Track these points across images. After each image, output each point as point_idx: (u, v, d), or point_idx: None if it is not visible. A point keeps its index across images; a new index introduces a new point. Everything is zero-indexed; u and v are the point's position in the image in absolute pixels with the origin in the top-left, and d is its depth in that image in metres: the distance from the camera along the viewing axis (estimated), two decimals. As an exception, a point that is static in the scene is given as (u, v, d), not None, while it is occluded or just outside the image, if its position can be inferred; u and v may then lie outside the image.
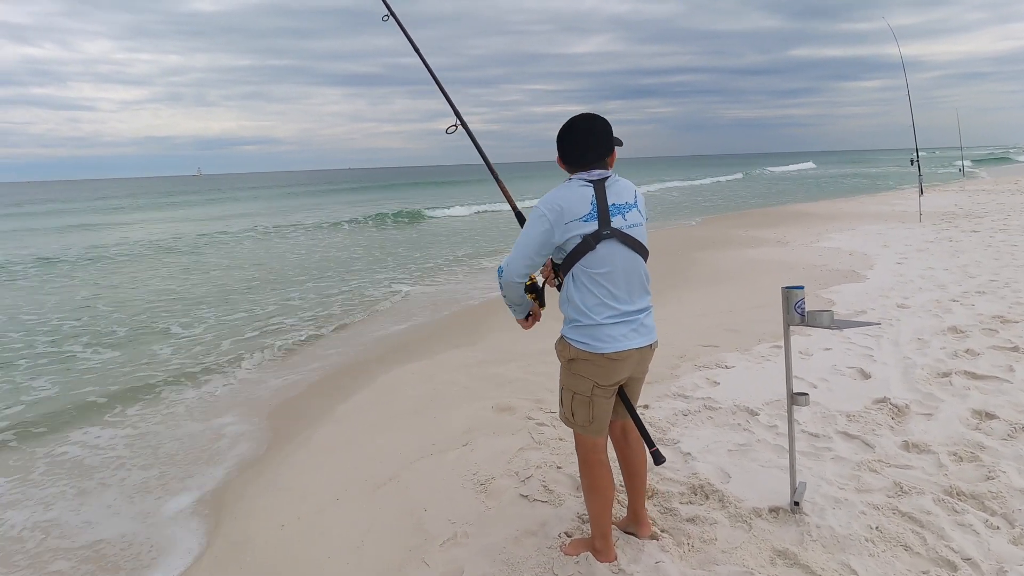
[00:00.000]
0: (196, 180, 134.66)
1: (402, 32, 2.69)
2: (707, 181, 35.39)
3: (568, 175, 2.00)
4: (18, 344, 6.05)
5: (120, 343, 5.95)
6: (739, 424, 3.18)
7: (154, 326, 6.56)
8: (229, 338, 5.97)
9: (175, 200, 39.63)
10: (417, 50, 2.65)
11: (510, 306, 2.10)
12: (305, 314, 6.89)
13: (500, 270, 2.00)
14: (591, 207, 1.89)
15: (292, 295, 7.98)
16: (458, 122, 2.51)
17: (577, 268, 1.92)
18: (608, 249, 1.90)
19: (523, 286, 2.02)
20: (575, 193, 1.91)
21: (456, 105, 2.53)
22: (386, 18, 2.72)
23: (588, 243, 1.89)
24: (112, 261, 11.89)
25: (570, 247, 1.91)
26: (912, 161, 11.47)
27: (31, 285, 9.69)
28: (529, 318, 2.14)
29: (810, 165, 59.81)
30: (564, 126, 1.98)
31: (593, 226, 1.89)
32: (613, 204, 1.92)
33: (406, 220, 17.58)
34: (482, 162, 2.56)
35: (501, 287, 2.02)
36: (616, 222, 1.92)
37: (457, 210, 19.98)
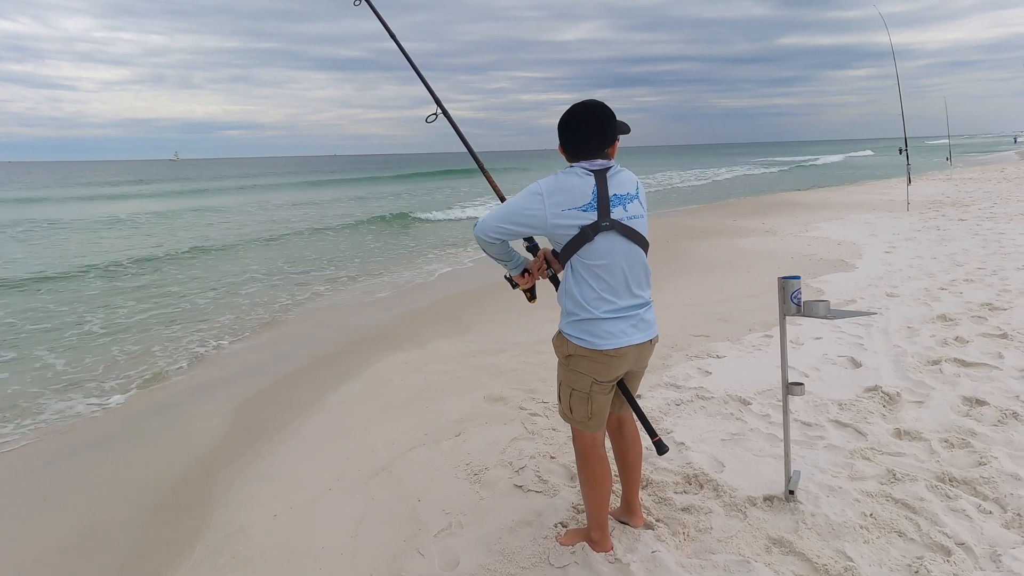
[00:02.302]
0: (172, 165, 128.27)
1: (376, 16, 2.57)
2: (757, 171, 33.73)
3: (568, 163, 1.95)
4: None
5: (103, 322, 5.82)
6: (732, 414, 3.18)
7: (149, 309, 6.44)
8: (219, 323, 5.87)
9: (120, 191, 32.36)
10: (393, 35, 2.54)
11: (499, 262, 2.06)
12: (286, 302, 6.80)
13: (475, 224, 1.97)
14: (592, 196, 1.85)
15: (274, 285, 7.86)
16: (439, 110, 2.43)
17: (575, 259, 1.88)
18: (607, 241, 1.86)
19: (495, 245, 1.98)
20: (576, 181, 1.86)
21: (438, 93, 2.45)
22: (358, 3, 2.59)
23: (586, 234, 1.84)
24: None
25: (567, 238, 1.86)
26: (900, 150, 11.57)
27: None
28: (527, 274, 2.09)
29: (868, 152, 56.60)
30: (566, 114, 1.93)
31: (592, 216, 1.85)
32: (614, 195, 1.88)
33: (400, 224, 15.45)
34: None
35: (476, 239, 2.00)
36: (616, 213, 1.87)
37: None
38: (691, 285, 6.27)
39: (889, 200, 13.36)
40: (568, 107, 1.94)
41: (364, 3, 2.58)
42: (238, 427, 3.62)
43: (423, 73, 2.50)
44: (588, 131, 1.89)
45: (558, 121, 1.95)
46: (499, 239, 1.95)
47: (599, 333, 1.89)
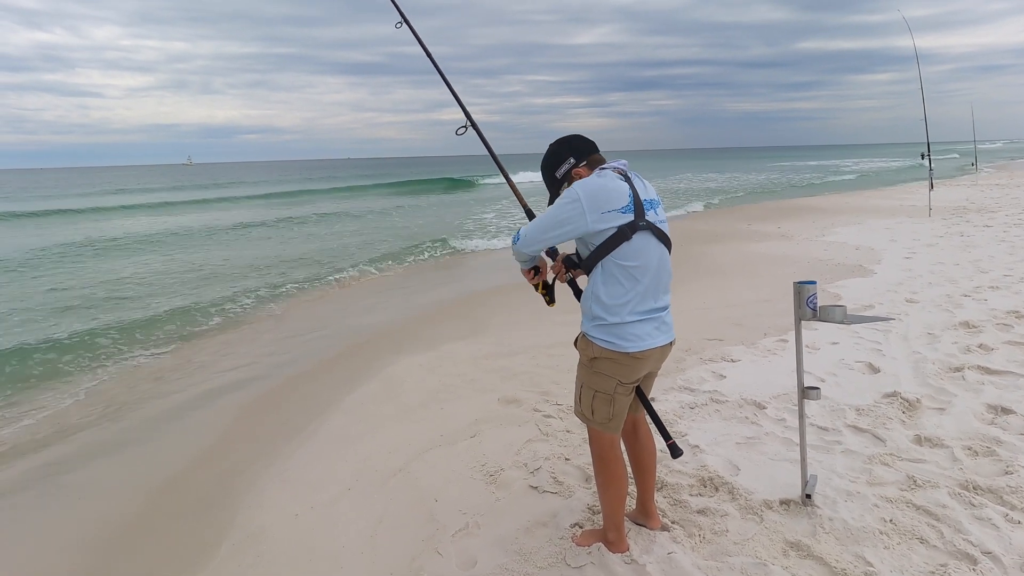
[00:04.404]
0: (185, 170, 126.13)
1: (415, 38, 2.68)
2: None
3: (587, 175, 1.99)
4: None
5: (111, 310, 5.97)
6: (747, 417, 3.17)
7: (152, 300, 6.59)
8: (226, 325, 5.98)
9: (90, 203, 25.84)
10: (429, 54, 2.65)
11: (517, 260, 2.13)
12: (294, 304, 6.90)
13: (516, 237, 2.02)
14: (628, 199, 1.89)
15: (283, 282, 7.97)
16: (468, 123, 2.52)
17: (608, 260, 1.90)
18: (643, 241, 1.90)
19: (531, 259, 2.07)
20: (613, 184, 1.91)
21: (465, 104, 2.54)
22: (399, 25, 2.71)
23: (624, 233, 1.87)
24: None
25: (603, 238, 1.89)
26: (923, 155, 11.39)
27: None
28: (536, 273, 2.14)
29: (954, 156, 41.55)
30: (557, 141, 2.07)
31: (629, 218, 1.89)
32: (645, 199, 1.94)
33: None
34: (486, 154, 2.58)
35: (513, 252, 2.07)
36: (650, 216, 1.93)
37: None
38: (705, 289, 6.23)
39: (910, 205, 13.13)
40: (548, 148, 2.08)
41: (405, 26, 2.70)
42: (256, 429, 3.68)
43: (454, 88, 2.58)
44: (586, 139, 2.07)
45: (554, 155, 2.04)
46: (542, 249, 2.01)
47: (626, 336, 1.91)
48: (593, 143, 2.07)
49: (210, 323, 6.29)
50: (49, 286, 8.78)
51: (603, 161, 2.02)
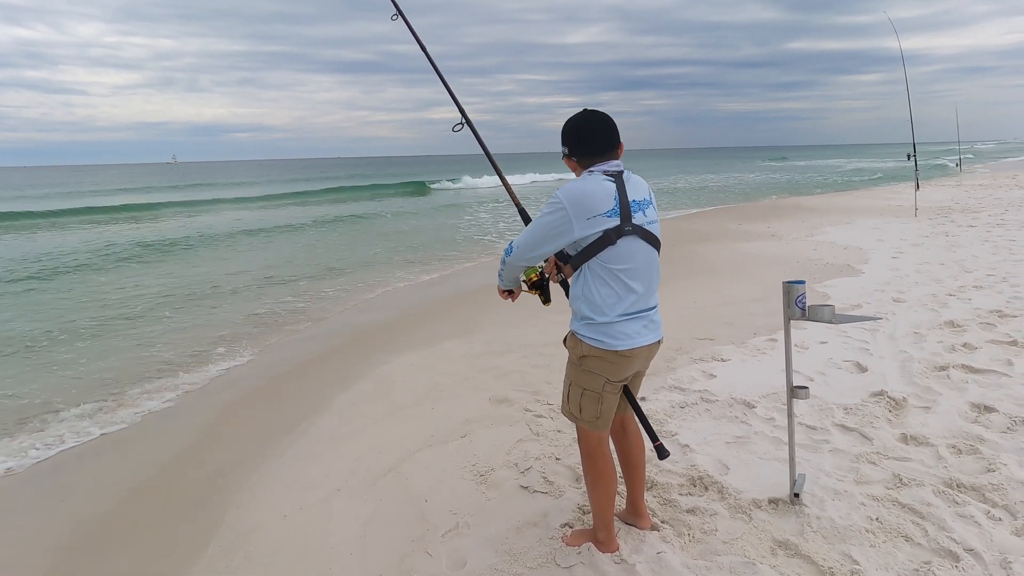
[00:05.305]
0: (169, 168, 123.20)
1: (410, 32, 2.66)
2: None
3: (579, 172, 1.97)
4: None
5: (110, 332, 5.90)
6: (736, 417, 3.19)
7: (151, 316, 6.51)
8: (224, 326, 5.93)
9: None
10: (424, 49, 2.64)
11: (500, 276, 2.10)
12: (295, 302, 6.85)
13: (508, 249, 2.00)
14: (614, 202, 1.87)
15: (283, 289, 7.92)
16: (463, 121, 2.51)
17: (594, 262, 1.88)
18: (629, 245, 1.88)
19: (523, 270, 2.05)
20: (598, 187, 1.88)
21: (445, 96, 2.54)
22: (395, 17, 2.70)
23: (608, 238, 1.85)
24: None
25: (588, 241, 1.87)
26: (908, 156, 11.55)
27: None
28: (511, 294, 2.14)
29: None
30: (573, 120, 1.96)
31: (615, 222, 1.86)
32: (633, 200, 1.91)
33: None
34: (480, 153, 2.57)
35: (503, 263, 2.03)
36: (637, 219, 1.90)
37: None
38: (695, 288, 6.27)
39: (897, 205, 13.29)
40: (568, 118, 1.98)
41: (400, 20, 2.69)
42: (247, 428, 3.66)
43: (450, 85, 2.57)
44: (599, 128, 1.93)
45: (562, 130, 1.97)
46: (535, 259, 1.98)
47: (614, 334, 1.91)
48: (601, 145, 1.91)
49: (199, 324, 6.22)
50: (27, 292, 8.63)
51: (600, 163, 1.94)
